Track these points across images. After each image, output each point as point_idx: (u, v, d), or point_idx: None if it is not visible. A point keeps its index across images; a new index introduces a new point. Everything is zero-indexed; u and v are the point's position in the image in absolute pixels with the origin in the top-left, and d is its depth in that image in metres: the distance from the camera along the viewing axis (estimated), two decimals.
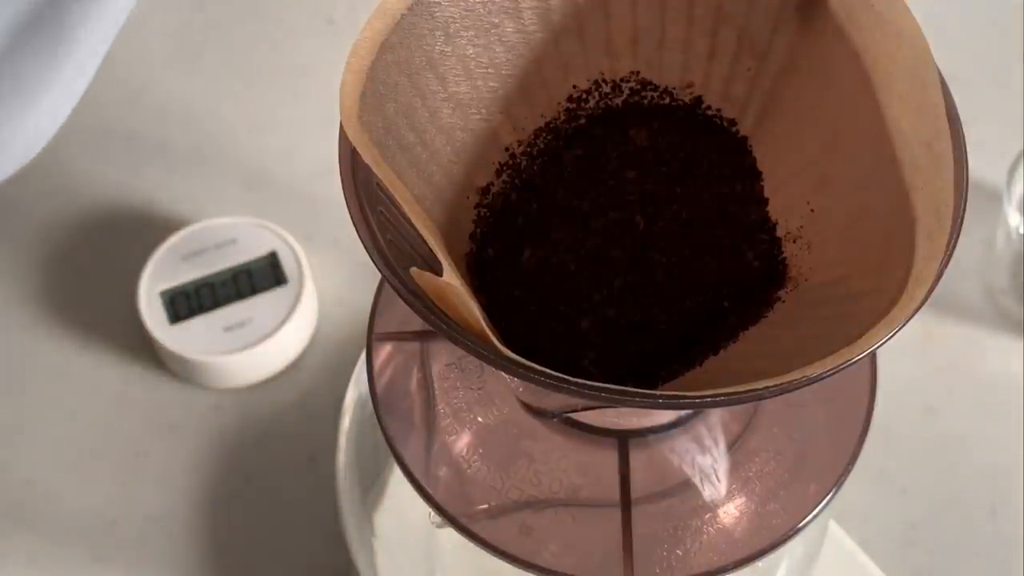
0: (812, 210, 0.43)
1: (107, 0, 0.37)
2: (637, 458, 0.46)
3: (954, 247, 0.38)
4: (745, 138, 0.46)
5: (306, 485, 0.68)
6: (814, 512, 0.46)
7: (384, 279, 0.39)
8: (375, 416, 0.48)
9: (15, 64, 0.37)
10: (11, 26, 0.37)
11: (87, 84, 0.39)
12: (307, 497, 0.67)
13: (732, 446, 0.47)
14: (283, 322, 0.70)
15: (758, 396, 0.36)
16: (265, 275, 0.71)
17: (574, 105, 0.46)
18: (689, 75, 0.46)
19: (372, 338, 0.49)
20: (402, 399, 0.49)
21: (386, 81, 0.41)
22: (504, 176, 0.45)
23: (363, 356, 0.50)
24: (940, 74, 0.40)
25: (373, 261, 0.39)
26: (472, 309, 0.36)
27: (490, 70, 0.44)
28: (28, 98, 0.38)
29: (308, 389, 0.71)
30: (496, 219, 0.45)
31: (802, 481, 0.47)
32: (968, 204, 0.39)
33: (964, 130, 0.40)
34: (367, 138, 0.39)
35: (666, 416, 0.46)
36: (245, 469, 0.68)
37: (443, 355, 0.48)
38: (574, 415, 0.46)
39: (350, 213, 0.40)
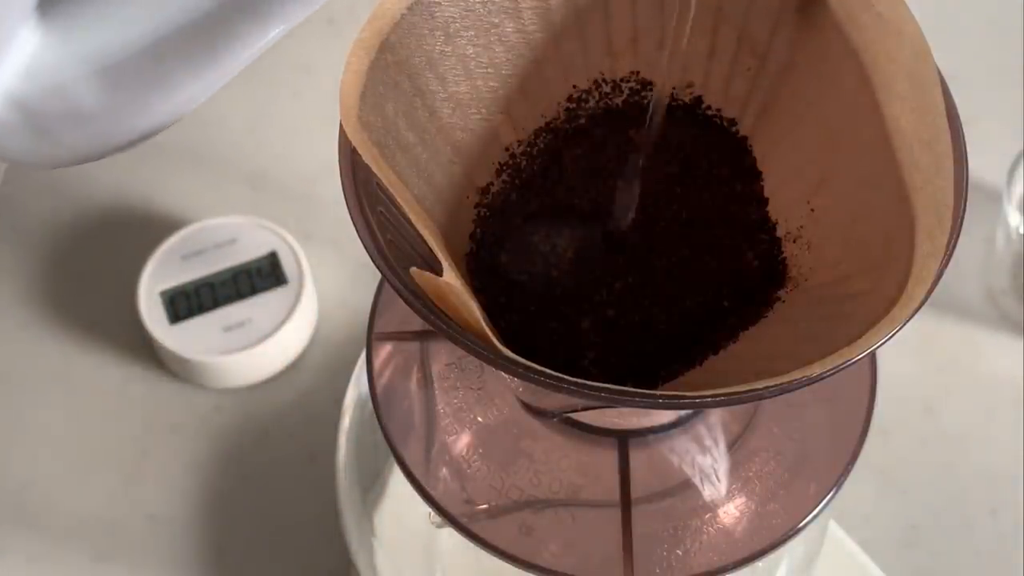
0: (812, 210, 0.43)
1: (265, 25, 0.39)
2: (637, 458, 0.46)
3: (954, 247, 0.38)
4: (745, 138, 0.46)
5: (306, 485, 0.68)
6: (814, 512, 0.46)
7: (384, 279, 0.39)
8: (375, 416, 0.48)
9: (165, 64, 0.39)
10: (173, 30, 0.39)
11: (219, 88, 0.40)
12: (307, 497, 0.67)
13: (732, 446, 0.47)
14: (283, 322, 0.70)
15: (758, 396, 0.36)
16: (265, 275, 0.71)
17: (574, 105, 0.46)
18: (689, 75, 0.46)
19: (372, 338, 0.49)
20: (402, 399, 0.49)
21: (386, 81, 0.41)
22: (504, 176, 0.45)
23: (363, 356, 0.50)
24: (940, 74, 0.40)
25: (373, 261, 0.39)
26: (472, 309, 0.36)
27: (490, 70, 0.44)
28: (164, 95, 0.40)
29: (308, 389, 0.71)
30: (496, 219, 0.45)
31: (802, 481, 0.47)
32: (968, 204, 0.39)
33: (964, 130, 0.40)
34: (367, 138, 0.39)
35: (666, 416, 0.46)
36: (245, 469, 0.68)
37: (443, 355, 0.48)
38: (574, 415, 0.46)
39: (350, 213, 0.40)
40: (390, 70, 0.41)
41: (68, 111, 0.39)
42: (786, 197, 0.44)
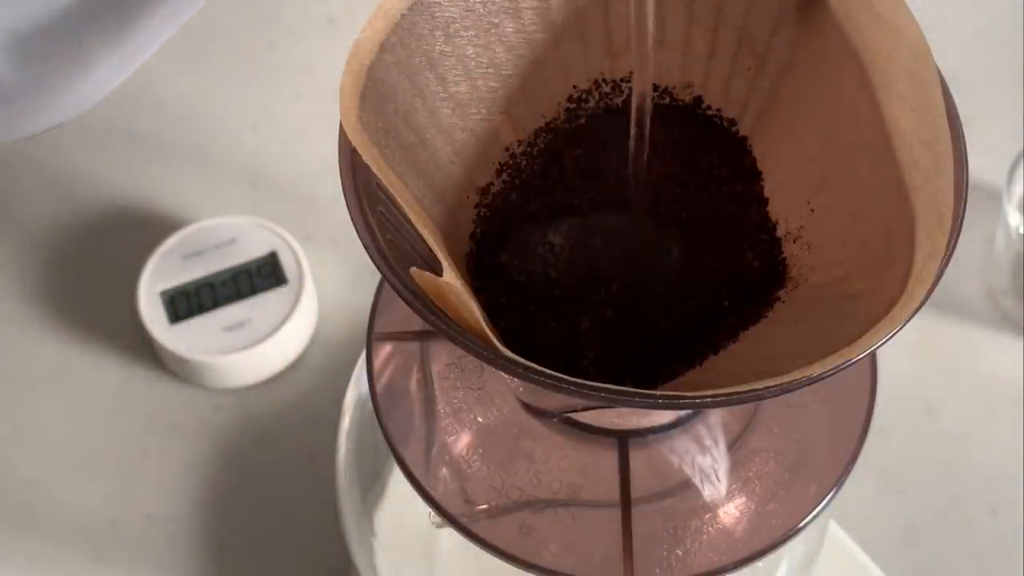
0: (812, 210, 0.43)
1: None
2: (637, 458, 0.46)
3: (954, 247, 0.38)
4: (745, 138, 0.46)
5: (306, 485, 0.68)
6: (814, 512, 0.46)
7: (384, 279, 0.39)
8: (375, 416, 0.48)
9: (81, 36, 0.38)
10: (82, 4, 0.38)
11: (141, 62, 0.40)
12: (307, 497, 0.67)
13: (732, 446, 0.47)
14: (283, 322, 0.70)
15: (758, 396, 0.36)
16: (265, 275, 0.71)
17: (574, 105, 0.46)
18: (689, 75, 0.46)
19: (372, 338, 0.49)
20: (402, 399, 0.49)
21: (386, 81, 0.41)
22: (504, 176, 0.45)
23: (363, 356, 0.50)
24: (940, 74, 0.40)
25: (373, 261, 0.39)
26: (472, 309, 0.36)
27: (490, 70, 0.44)
28: (85, 68, 0.39)
29: (308, 389, 0.71)
30: (496, 219, 0.45)
31: (802, 481, 0.47)
32: (968, 204, 0.39)
33: (964, 130, 0.40)
34: (367, 138, 0.39)
35: (666, 416, 0.46)
36: (245, 469, 0.68)
37: (443, 355, 0.48)
38: (574, 415, 0.46)
39: (350, 213, 0.40)
40: (390, 70, 0.41)
41: None
42: (786, 197, 0.44)
